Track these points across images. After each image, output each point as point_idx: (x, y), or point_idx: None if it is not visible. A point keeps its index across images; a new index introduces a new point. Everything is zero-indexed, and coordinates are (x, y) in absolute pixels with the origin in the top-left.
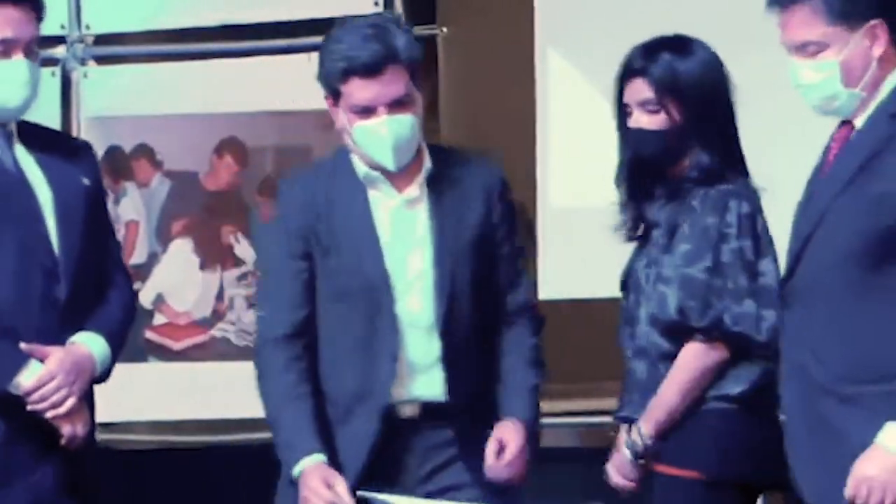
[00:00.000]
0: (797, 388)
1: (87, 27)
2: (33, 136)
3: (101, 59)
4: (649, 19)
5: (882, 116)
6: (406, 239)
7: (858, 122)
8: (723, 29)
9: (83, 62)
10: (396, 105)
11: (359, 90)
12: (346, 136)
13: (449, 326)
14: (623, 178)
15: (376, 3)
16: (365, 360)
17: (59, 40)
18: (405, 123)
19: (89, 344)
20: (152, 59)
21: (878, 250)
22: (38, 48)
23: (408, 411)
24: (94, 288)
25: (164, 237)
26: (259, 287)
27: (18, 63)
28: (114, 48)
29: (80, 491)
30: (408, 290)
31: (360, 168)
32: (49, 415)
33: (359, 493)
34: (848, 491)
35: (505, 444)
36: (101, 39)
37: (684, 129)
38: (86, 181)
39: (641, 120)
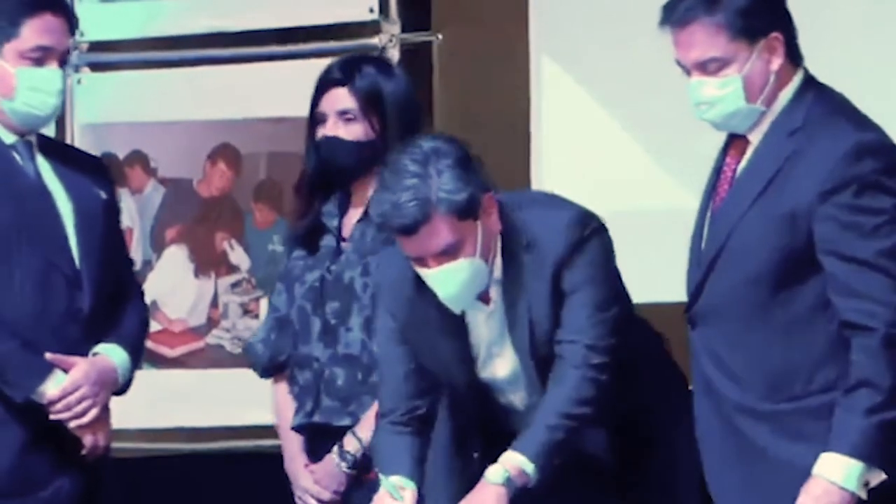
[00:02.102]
0: (708, 404)
1: (82, 34)
2: (50, 148)
3: (96, 66)
4: (644, 26)
5: (779, 133)
6: (495, 345)
7: (754, 138)
8: None
9: (77, 69)
10: (444, 255)
11: (403, 244)
12: None
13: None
14: (307, 186)
15: (371, 10)
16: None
17: None
18: (456, 273)
19: (113, 355)
20: (146, 66)
21: (787, 269)
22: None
23: None
24: (111, 300)
25: (158, 244)
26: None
27: (53, 72)
28: (108, 55)
29: (95, 502)
30: (508, 387)
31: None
32: (72, 425)
33: None
34: None
35: None
36: (95, 46)
37: (379, 143)
38: (103, 194)
39: (338, 129)
